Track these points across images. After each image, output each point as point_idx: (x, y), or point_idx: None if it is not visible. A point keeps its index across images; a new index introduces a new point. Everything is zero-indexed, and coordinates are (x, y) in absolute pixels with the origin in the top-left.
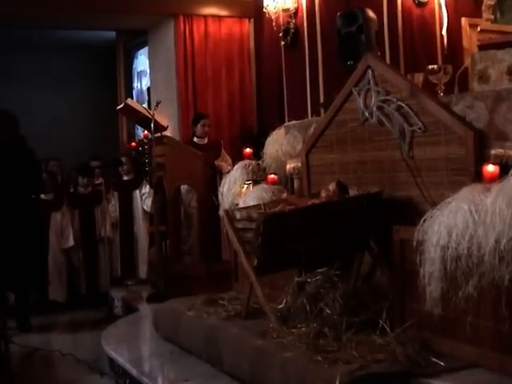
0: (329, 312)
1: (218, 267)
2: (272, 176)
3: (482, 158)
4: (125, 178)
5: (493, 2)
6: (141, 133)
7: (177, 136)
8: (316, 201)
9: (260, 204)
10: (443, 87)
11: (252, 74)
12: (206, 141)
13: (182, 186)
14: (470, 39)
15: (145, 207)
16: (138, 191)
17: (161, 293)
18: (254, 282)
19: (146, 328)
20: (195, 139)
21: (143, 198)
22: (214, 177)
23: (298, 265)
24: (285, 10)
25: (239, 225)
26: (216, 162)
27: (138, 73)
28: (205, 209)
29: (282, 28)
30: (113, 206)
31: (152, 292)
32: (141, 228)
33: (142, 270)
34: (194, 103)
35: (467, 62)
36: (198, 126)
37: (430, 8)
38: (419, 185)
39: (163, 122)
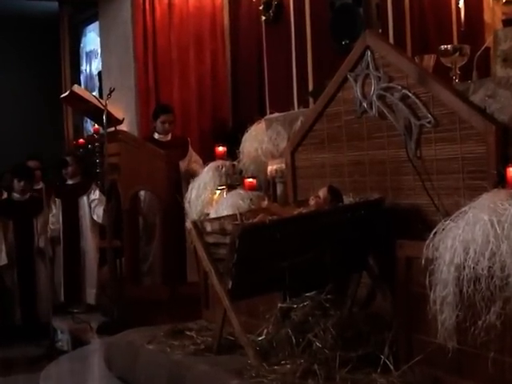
0: (319, 345)
1: (185, 291)
2: (250, 180)
3: (506, 158)
4: (70, 181)
5: None
6: (90, 127)
7: (134, 131)
8: (303, 210)
9: (235, 214)
10: (459, 72)
11: (226, 55)
12: (169, 137)
13: (140, 192)
14: (492, 12)
15: (95, 217)
16: (85, 198)
17: (114, 322)
18: (229, 308)
19: (96, 365)
20: (156, 135)
21: (92, 207)
22: (180, 181)
23: (281, 288)
24: None
25: (210, 239)
26: (181, 164)
27: (86, 53)
28: (168, 219)
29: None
30: (54, 216)
31: (103, 321)
32: (89, 243)
33: (91, 295)
34: (156, 91)
35: (489, 40)
36: (158, 121)
37: None
38: (428, 191)
39: (118, 113)
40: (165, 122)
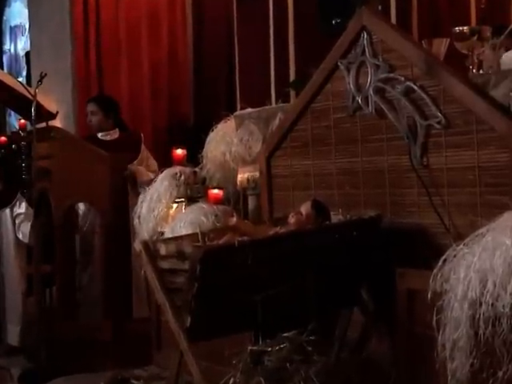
0: None
1: (131, 329)
2: (215, 191)
3: None
4: None
5: None
6: (15, 121)
7: (71, 127)
8: (281, 229)
9: (196, 233)
10: (477, 60)
11: (188, 35)
12: (116, 135)
13: (77, 205)
14: None
15: (19, 236)
16: (8, 211)
17: (41, 368)
18: (186, 351)
19: None
20: (99, 133)
21: (17, 222)
22: (127, 191)
23: (252, 326)
24: None
25: (165, 264)
26: (130, 167)
27: (11, 28)
28: (112, 239)
29: None
30: None
31: (28, 367)
32: (12, 268)
33: (13, 333)
34: (99, 78)
35: None
36: None
37: None
38: (437, 207)
39: (50, 105)
40: (87, 114)
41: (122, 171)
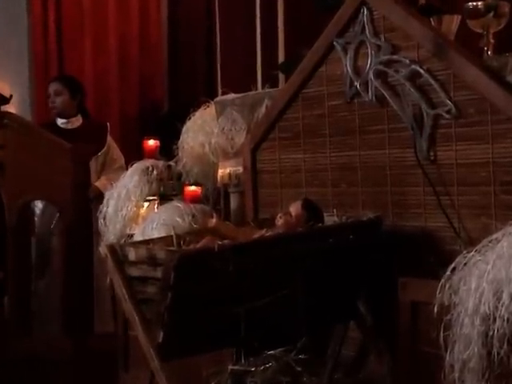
0: None
1: (95, 345)
2: (192, 188)
3: None
4: None
5: None
6: None
7: (27, 114)
8: (267, 232)
9: (171, 236)
10: (493, 41)
11: (162, 8)
12: (78, 123)
13: (33, 203)
14: None
15: None
16: None
17: None
18: (158, 371)
19: None
20: (59, 121)
21: None
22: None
23: (234, 342)
24: None
25: (134, 271)
26: (94, 162)
27: None
28: (73, 242)
29: None
30: None
31: None
32: None
33: None
34: (59, 58)
35: None
36: None
37: None
38: (445, 209)
39: (4, 89)
40: (49, 95)
41: (84, 164)
